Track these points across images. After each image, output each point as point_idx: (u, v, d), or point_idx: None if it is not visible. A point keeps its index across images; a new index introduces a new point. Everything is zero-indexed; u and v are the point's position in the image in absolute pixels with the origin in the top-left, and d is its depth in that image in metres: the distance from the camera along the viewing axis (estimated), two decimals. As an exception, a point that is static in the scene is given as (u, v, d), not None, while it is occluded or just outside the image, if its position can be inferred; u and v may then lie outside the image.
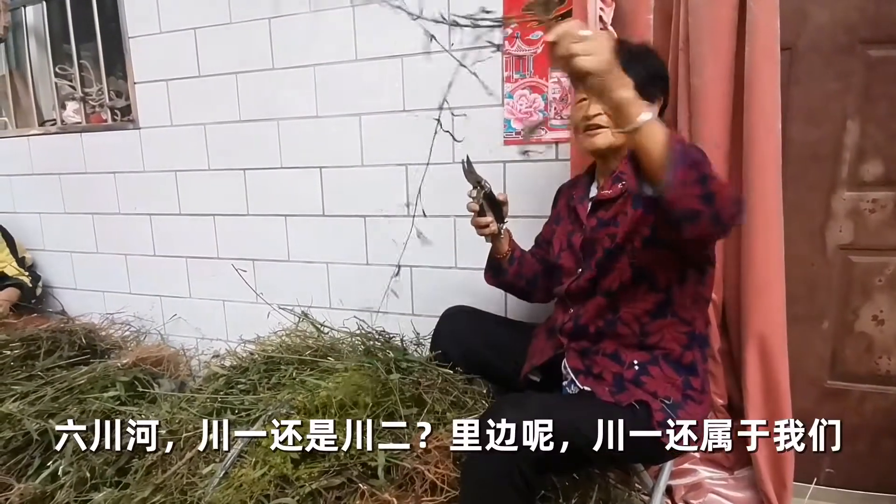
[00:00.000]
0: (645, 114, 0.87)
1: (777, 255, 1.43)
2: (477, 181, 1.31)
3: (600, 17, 1.45)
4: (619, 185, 1.18)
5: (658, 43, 1.50)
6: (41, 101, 2.61)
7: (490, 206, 1.34)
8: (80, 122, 2.46)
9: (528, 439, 1.01)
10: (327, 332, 1.83)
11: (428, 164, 1.84)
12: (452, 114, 1.77)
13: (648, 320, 1.16)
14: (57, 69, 2.48)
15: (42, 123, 2.59)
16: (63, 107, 2.50)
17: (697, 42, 1.41)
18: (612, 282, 1.17)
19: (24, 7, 2.50)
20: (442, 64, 1.75)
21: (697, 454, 1.63)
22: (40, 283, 2.53)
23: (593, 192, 1.31)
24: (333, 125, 1.95)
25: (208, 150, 2.18)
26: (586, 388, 1.18)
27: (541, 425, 1.02)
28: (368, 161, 1.93)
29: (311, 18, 1.91)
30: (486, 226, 1.33)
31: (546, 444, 1.01)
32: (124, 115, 2.37)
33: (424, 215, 1.88)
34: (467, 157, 1.33)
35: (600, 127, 1.20)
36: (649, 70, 1.17)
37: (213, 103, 2.12)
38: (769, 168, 1.39)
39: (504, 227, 1.38)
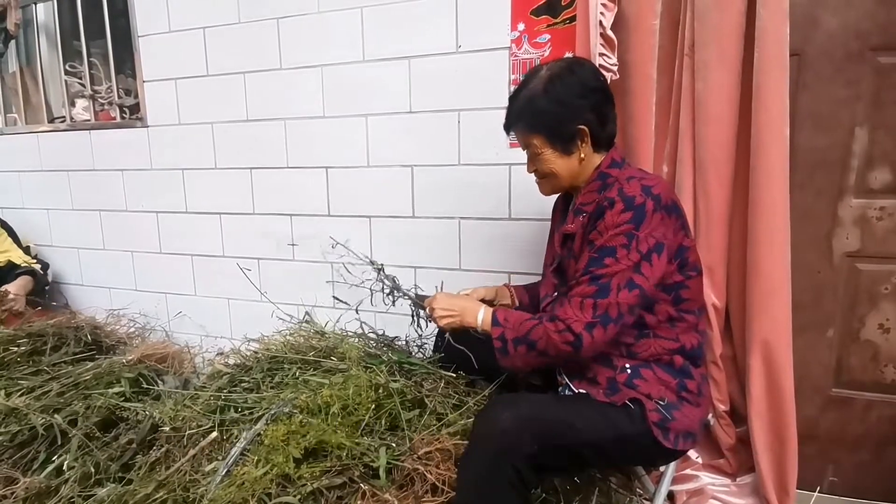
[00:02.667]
0: (478, 317, 1.22)
1: (783, 262, 1.42)
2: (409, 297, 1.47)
3: (600, 21, 1.45)
4: (580, 219, 1.19)
5: (664, 48, 1.50)
6: (51, 98, 2.63)
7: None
8: (88, 120, 2.48)
9: (521, 436, 1.02)
10: (330, 333, 1.84)
11: (433, 165, 1.84)
12: (458, 116, 1.78)
13: (633, 340, 1.16)
14: (67, 67, 2.50)
15: (51, 120, 2.62)
16: (72, 104, 2.52)
17: (703, 47, 1.41)
18: None
19: (35, 4, 2.53)
20: (449, 66, 1.76)
21: (699, 460, 1.63)
22: (49, 271, 2.54)
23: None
24: (340, 125, 1.96)
25: (215, 149, 2.19)
26: (581, 391, 1.18)
27: (534, 422, 1.04)
28: (374, 162, 1.94)
29: (318, 19, 1.91)
30: None
31: (539, 440, 1.02)
32: (133, 113, 2.39)
33: (429, 216, 1.89)
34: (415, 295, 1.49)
35: (540, 178, 1.28)
36: (553, 129, 1.18)
37: (221, 102, 2.14)
38: (776, 174, 1.38)
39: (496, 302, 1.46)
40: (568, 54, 1.60)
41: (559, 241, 1.28)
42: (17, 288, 2.28)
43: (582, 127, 1.17)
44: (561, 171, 1.21)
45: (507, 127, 1.26)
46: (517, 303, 1.48)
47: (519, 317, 1.17)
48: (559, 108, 1.16)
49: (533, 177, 1.29)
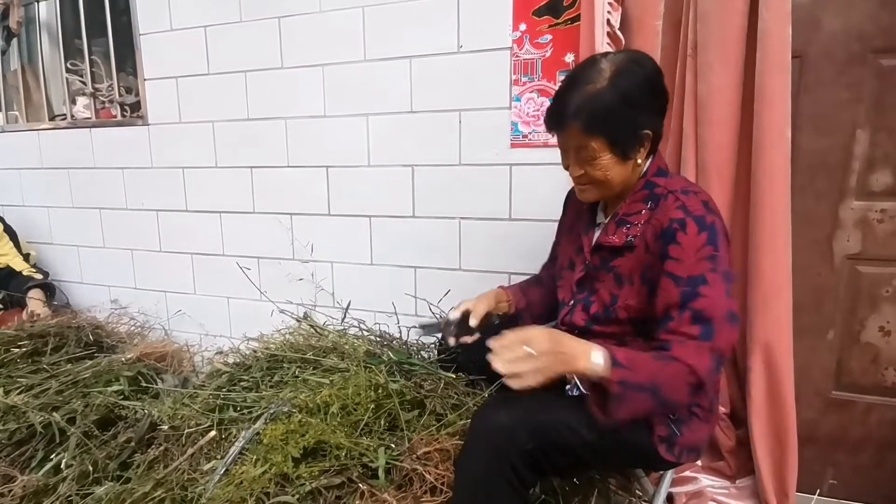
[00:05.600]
0: (594, 364, 0.95)
1: (784, 264, 1.42)
2: (438, 332, 1.31)
3: (608, 20, 1.45)
4: (625, 230, 1.11)
5: (666, 49, 1.50)
6: (52, 95, 2.63)
7: (460, 329, 1.29)
8: (89, 118, 2.48)
9: (517, 433, 1.00)
10: (329, 333, 1.83)
11: (434, 165, 1.84)
12: (459, 116, 1.78)
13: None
14: (68, 65, 2.50)
15: (52, 118, 2.61)
16: (73, 102, 2.52)
17: (705, 49, 1.41)
18: (611, 328, 1.14)
19: (37, 2, 2.53)
20: (450, 65, 1.76)
21: (699, 462, 1.63)
22: (49, 279, 2.53)
23: (599, 217, 1.23)
24: (341, 125, 1.96)
25: (216, 148, 2.19)
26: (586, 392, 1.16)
27: (531, 420, 1.02)
28: (375, 161, 1.94)
29: (320, 18, 1.91)
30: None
31: (536, 438, 1.01)
32: (134, 112, 2.39)
33: (429, 216, 1.88)
34: (419, 326, 1.35)
35: (587, 183, 1.13)
36: (618, 132, 1.05)
37: (222, 101, 2.14)
38: (778, 176, 1.38)
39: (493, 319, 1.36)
40: (570, 55, 1.60)
41: (589, 248, 1.19)
42: (39, 307, 2.24)
43: (648, 132, 1.06)
44: (615, 179, 1.09)
45: (558, 126, 1.09)
46: (514, 308, 1.39)
47: (640, 356, 0.98)
48: (629, 108, 1.02)
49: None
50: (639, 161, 1.09)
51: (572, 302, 1.22)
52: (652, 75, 1.05)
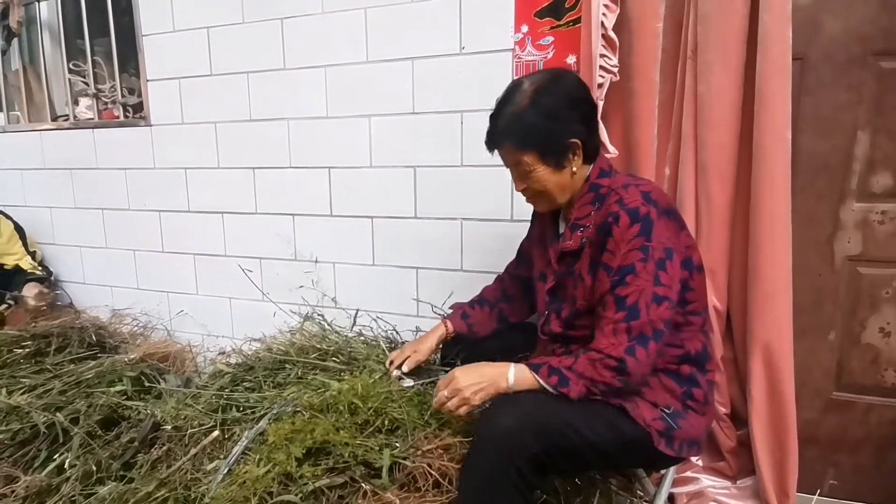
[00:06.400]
0: (509, 378, 1.11)
1: (784, 265, 1.42)
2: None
3: (602, 22, 1.45)
4: (578, 233, 1.18)
5: (667, 51, 1.50)
6: (54, 96, 2.64)
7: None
8: (92, 118, 2.49)
9: (524, 436, 1.02)
10: (332, 333, 1.84)
11: (436, 166, 1.85)
12: (461, 117, 1.78)
13: None
14: (70, 65, 2.50)
15: (55, 119, 2.62)
16: (76, 102, 2.53)
17: (706, 50, 1.41)
18: (583, 331, 1.18)
19: (39, 2, 2.54)
20: (452, 67, 1.76)
21: (700, 462, 1.63)
22: (52, 278, 2.55)
23: (561, 227, 1.30)
24: (343, 126, 1.96)
25: (218, 149, 2.20)
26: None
27: (537, 423, 1.04)
28: (377, 162, 1.94)
29: (322, 19, 1.92)
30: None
31: (542, 441, 1.02)
32: (136, 112, 2.40)
33: (431, 217, 1.89)
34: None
35: (532, 196, 1.23)
36: (545, 144, 1.14)
37: (224, 102, 2.14)
38: (778, 178, 1.39)
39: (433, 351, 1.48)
40: (571, 57, 1.60)
41: (555, 257, 1.25)
42: (30, 297, 2.31)
43: (575, 140, 1.14)
44: (554, 188, 1.18)
45: (493, 145, 1.21)
46: (451, 336, 1.48)
47: (555, 359, 1.12)
48: (550, 121, 1.12)
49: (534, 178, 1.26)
50: (574, 169, 1.17)
51: (546, 312, 1.27)
52: (571, 89, 1.15)
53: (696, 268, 1.17)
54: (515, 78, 1.21)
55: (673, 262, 1.08)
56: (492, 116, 1.20)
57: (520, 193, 1.24)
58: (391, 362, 1.46)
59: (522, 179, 1.20)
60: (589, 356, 1.07)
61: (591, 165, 1.20)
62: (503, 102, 1.18)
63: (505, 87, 1.20)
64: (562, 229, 1.29)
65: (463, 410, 1.12)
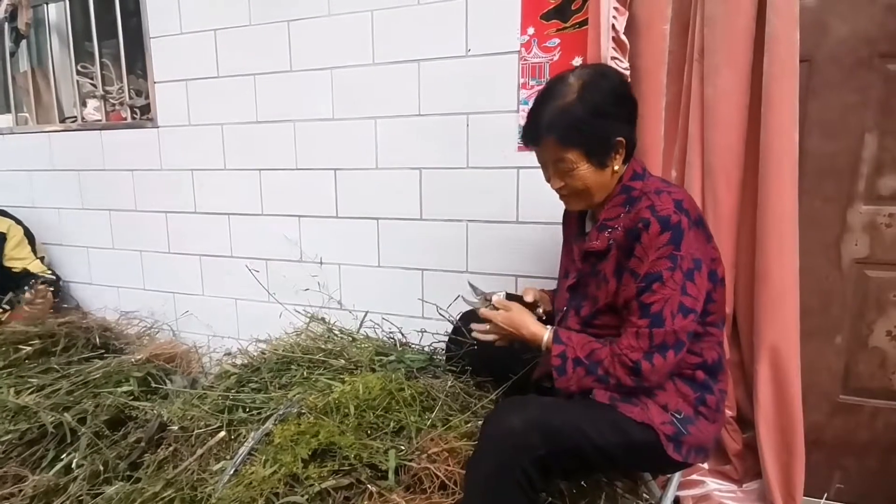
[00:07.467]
0: (546, 338, 1.16)
1: (791, 268, 1.42)
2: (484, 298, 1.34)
3: (612, 25, 1.45)
4: (606, 234, 1.15)
5: (674, 53, 1.50)
6: (62, 98, 2.65)
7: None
8: (100, 120, 2.50)
9: (530, 438, 1.02)
10: (338, 335, 1.85)
11: (442, 168, 1.85)
12: (467, 119, 1.78)
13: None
14: (78, 67, 2.52)
15: (63, 120, 2.64)
16: (84, 104, 2.54)
17: (712, 52, 1.41)
18: (601, 329, 1.17)
19: (47, 4, 2.55)
20: (458, 69, 1.76)
21: (706, 465, 1.63)
22: (60, 282, 2.56)
23: (587, 226, 1.28)
24: (349, 128, 1.97)
25: (225, 150, 2.21)
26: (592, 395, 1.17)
27: (543, 424, 1.04)
28: (383, 164, 1.94)
29: (329, 22, 1.93)
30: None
31: (548, 442, 1.02)
32: (143, 114, 2.41)
33: (436, 219, 1.89)
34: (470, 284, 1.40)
35: (568, 195, 1.19)
36: (592, 142, 1.10)
37: (231, 104, 2.15)
38: (785, 180, 1.39)
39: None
40: (577, 59, 1.60)
41: (579, 255, 1.23)
42: (29, 300, 2.30)
43: (620, 139, 1.11)
44: (595, 187, 1.14)
45: (533, 141, 1.16)
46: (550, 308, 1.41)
47: (582, 338, 1.14)
48: (598, 119, 1.08)
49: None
50: (615, 168, 1.14)
51: (566, 308, 1.26)
52: (617, 86, 1.12)
53: (719, 280, 1.16)
54: (559, 73, 1.16)
55: (701, 273, 1.07)
56: (532, 110, 1.15)
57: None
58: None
59: (561, 177, 1.15)
60: (612, 349, 1.09)
61: (626, 166, 1.17)
62: (546, 96, 1.13)
63: (547, 81, 1.17)
64: (588, 228, 1.27)
65: (491, 337, 1.25)
